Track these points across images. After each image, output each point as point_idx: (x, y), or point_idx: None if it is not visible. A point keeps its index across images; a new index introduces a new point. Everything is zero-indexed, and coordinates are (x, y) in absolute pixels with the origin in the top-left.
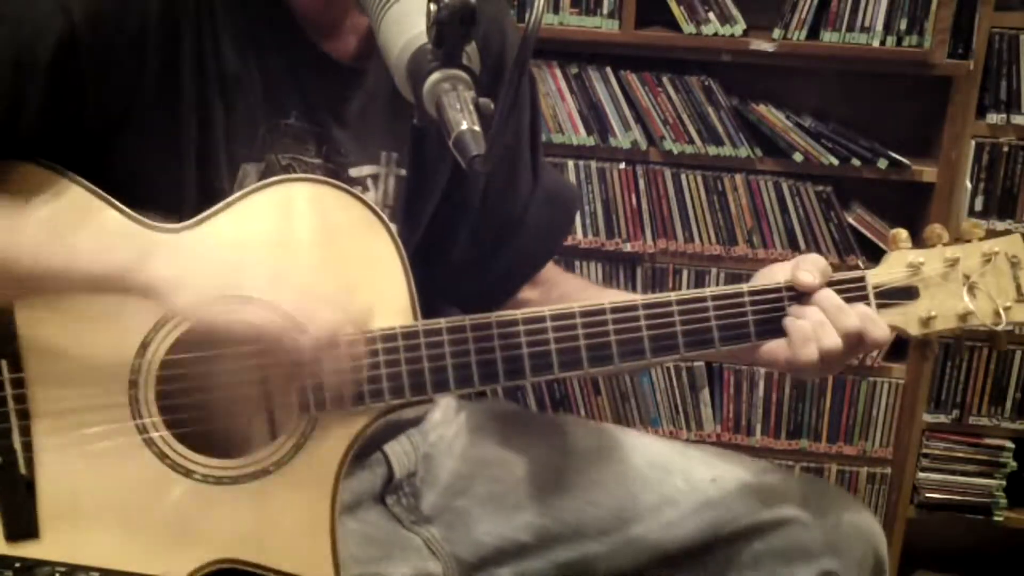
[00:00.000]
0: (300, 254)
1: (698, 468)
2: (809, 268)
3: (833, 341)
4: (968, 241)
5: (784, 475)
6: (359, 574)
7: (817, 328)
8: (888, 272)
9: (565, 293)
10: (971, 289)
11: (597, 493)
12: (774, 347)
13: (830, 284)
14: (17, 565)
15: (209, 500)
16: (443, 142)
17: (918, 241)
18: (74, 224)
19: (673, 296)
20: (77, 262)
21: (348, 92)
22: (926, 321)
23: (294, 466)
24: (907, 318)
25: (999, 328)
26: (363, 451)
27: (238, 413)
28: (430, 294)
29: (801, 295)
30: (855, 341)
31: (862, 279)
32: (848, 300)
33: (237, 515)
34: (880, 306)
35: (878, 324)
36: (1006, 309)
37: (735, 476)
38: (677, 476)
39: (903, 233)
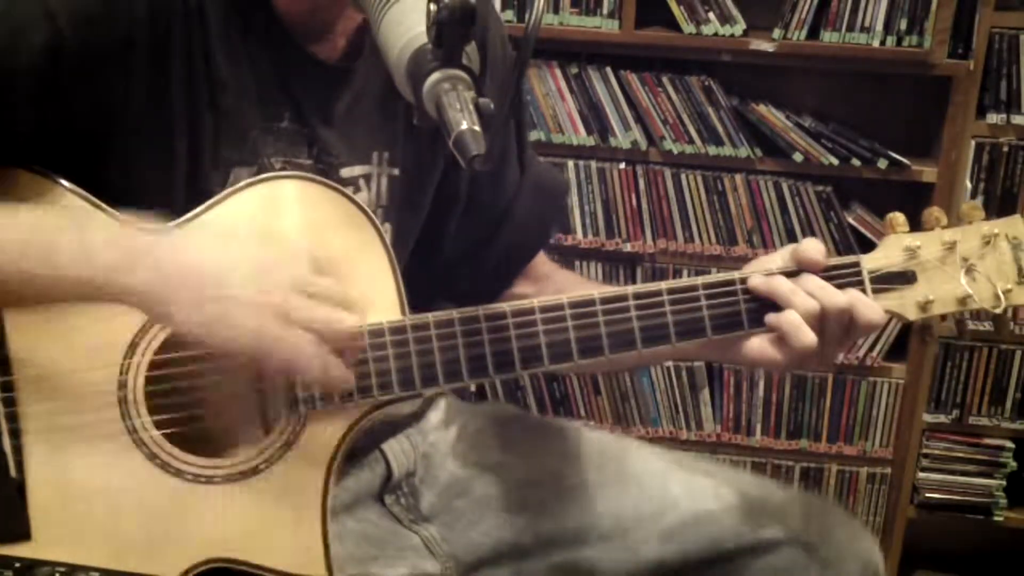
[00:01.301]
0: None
1: (699, 480)
2: (808, 247)
3: (828, 302)
4: (967, 223)
5: (785, 493)
6: (357, 573)
7: (803, 317)
8: (884, 257)
9: (560, 288)
10: (970, 272)
11: (596, 499)
12: (763, 347)
13: (825, 270)
14: (17, 565)
15: (200, 500)
16: (435, 139)
17: (916, 226)
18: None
19: (664, 285)
20: (59, 266)
21: (336, 93)
22: (924, 306)
23: (284, 464)
24: (904, 303)
25: (999, 311)
26: (361, 450)
27: (228, 412)
28: (424, 290)
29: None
30: (846, 319)
31: (857, 264)
32: (843, 286)
33: (228, 514)
34: (876, 291)
35: (871, 307)
36: (1006, 292)
37: (737, 491)
38: (678, 486)
39: (900, 217)
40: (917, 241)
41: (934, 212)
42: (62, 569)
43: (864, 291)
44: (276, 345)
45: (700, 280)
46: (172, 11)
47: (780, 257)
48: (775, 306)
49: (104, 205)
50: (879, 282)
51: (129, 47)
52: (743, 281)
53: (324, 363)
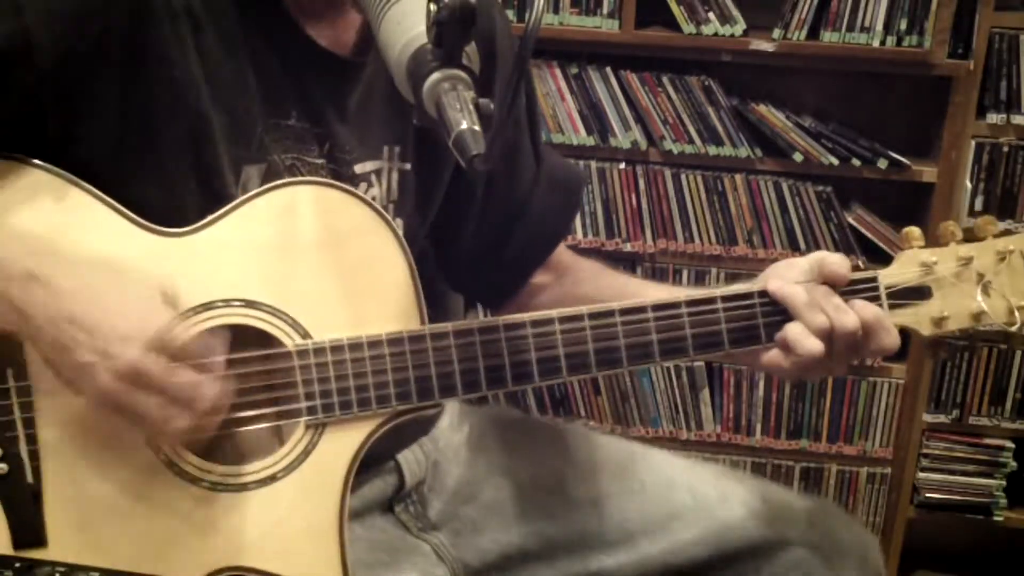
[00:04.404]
0: (304, 258)
1: (705, 485)
2: (836, 264)
3: (843, 322)
4: (982, 239)
5: (790, 496)
6: None
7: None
8: (900, 272)
9: (579, 278)
10: (985, 288)
11: (603, 505)
12: (775, 355)
13: (843, 285)
14: (17, 565)
15: (216, 507)
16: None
17: (931, 239)
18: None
19: (683, 298)
20: None
21: (348, 87)
22: (938, 321)
23: (302, 472)
24: (919, 318)
25: (1013, 329)
26: (376, 458)
27: (246, 419)
28: (442, 286)
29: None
30: (855, 340)
31: (874, 279)
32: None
33: (244, 522)
34: (892, 306)
35: (889, 332)
36: (1020, 308)
37: (742, 495)
38: (684, 491)
39: (916, 231)
40: (933, 257)
41: (950, 227)
42: (62, 569)
43: (880, 307)
44: (115, 410)
45: (719, 293)
46: (155, 11)
47: (805, 263)
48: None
49: (114, 203)
50: (895, 297)
51: (106, 47)
52: (762, 294)
53: (141, 403)
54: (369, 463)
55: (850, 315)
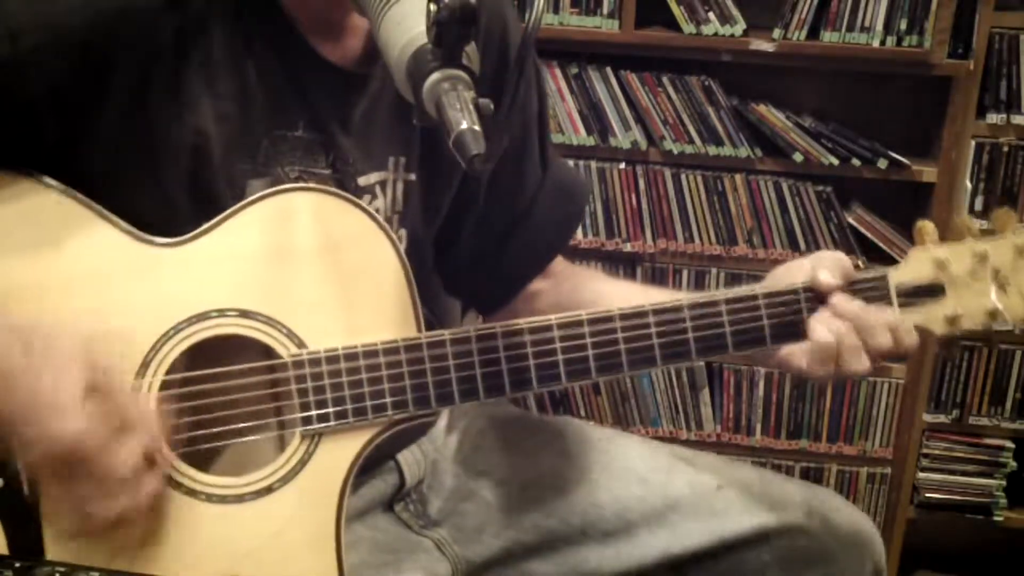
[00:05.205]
0: (300, 266)
1: (703, 475)
2: (829, 267)
3: (863, 365)
4: (1000, 234)
5: (787, 483)
6: None
7: (846, 352)
8: (912, 270)
9: (576, 285)
10: (1001, 286)
11: (601, 496)
12: (791, 354)
13: (851, 284)
14: (17, 565)
15: (213, 519)
16: None
17: (944, 235)
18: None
19: (685, 301)
20: None
21: (353, 99)
22: (952, 320)
23: (299, 482)
24: (931, 317)
25: None
26: (376, 459)
27: (242, 430)
28: (440, 291)
29: (819, 296)
30: (884, 356)
31: (884, 278)
32: (869, 300)
33: (242, 533)
34: (903, 305)
35: (910, 335)
36: None
37: (740, 484)
38: (682, 482)
39: (929, 226)
40: (947, 253)
41: (965, 221)
42: (62, 569)
43: (891, 306)
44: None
45: (721, 295)
46: (160, 32)
47: (806, 270)
48: (796, 325)
49: (107, 213)
50: (906, 296)
51: (108, 71)
52: (766, 296)
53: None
54: (369, 464)
55: (881, 332)
